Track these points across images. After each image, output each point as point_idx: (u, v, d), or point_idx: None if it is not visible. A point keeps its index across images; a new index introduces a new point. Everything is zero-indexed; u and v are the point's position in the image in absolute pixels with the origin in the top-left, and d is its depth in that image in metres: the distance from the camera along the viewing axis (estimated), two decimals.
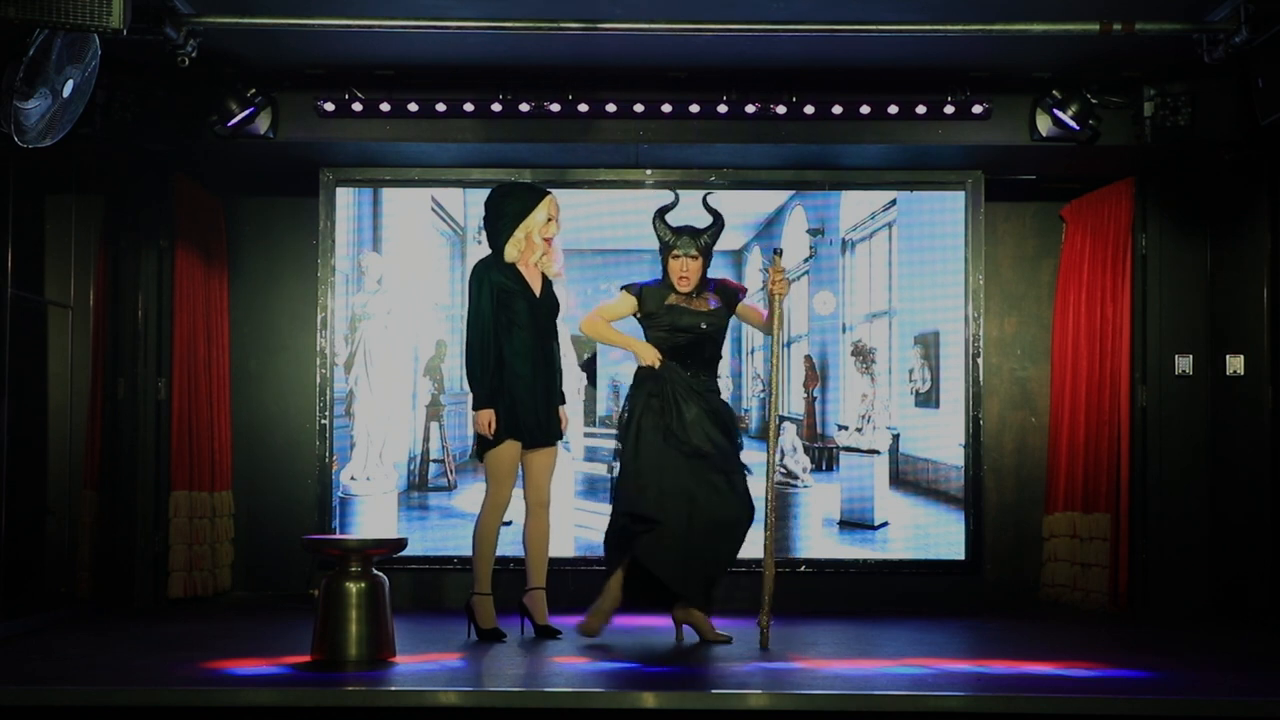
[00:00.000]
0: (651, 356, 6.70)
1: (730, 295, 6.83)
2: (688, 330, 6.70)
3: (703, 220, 6.78)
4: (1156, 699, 5.26)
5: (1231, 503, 8.22)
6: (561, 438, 6.99)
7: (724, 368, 7.16)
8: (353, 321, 8.58)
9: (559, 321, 6.99)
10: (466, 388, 6.97)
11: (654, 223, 6.80)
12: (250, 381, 8.85)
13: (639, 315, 6.83)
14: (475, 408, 6.73)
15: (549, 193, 6.88)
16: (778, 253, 6.77)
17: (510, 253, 6.77)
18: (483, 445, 6.77)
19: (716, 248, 6.82)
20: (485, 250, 6.97)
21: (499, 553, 8.11)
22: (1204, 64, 6.92)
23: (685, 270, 6.70)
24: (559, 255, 6.92)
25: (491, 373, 6.70)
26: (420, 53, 7.59)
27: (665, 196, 6.87)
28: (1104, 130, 7.93)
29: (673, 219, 6.77)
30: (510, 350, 6.73)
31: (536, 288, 6.84)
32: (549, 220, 6.80)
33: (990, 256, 8.71)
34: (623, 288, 6.87)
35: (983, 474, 8.55)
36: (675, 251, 6.71)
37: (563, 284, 7.10)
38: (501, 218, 6.80)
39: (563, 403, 6.97)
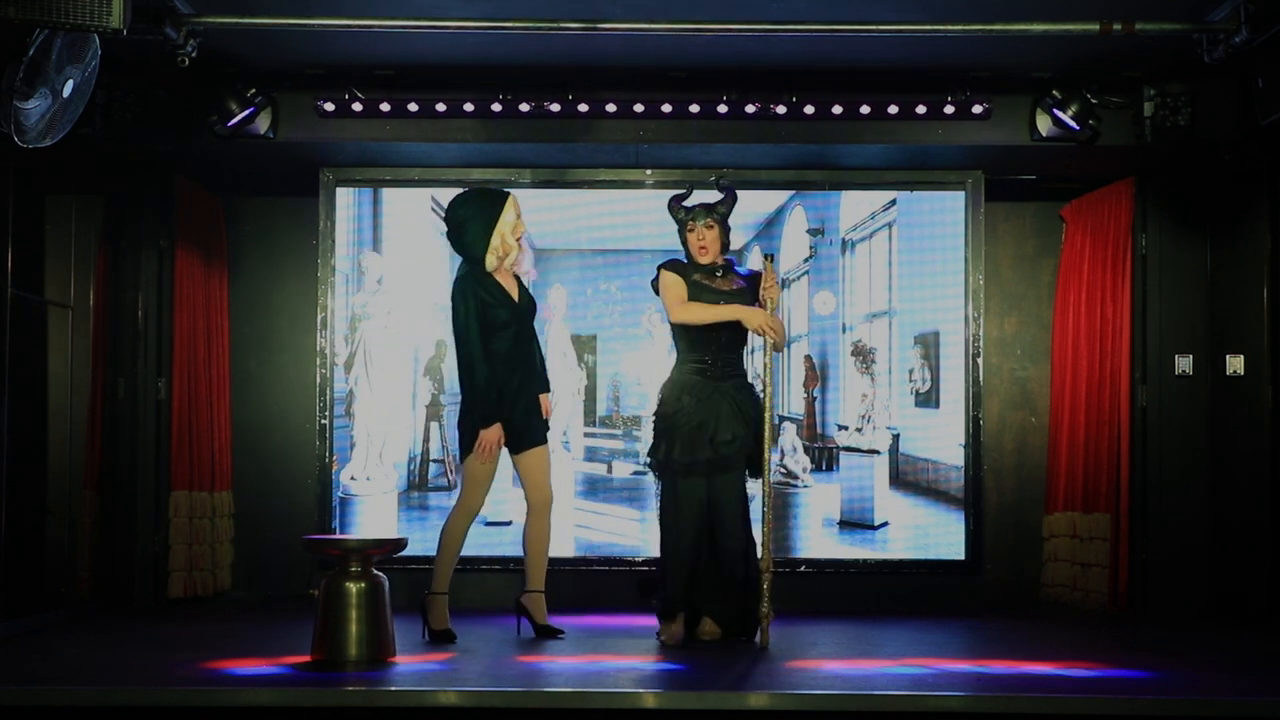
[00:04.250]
0: (759, 320, 6.53)
1: (756, 288, 6.74)
2: None
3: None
4: (1156, 699, 5.26)
5: (1231, 503, 8.22)
6: (548, 429, 6.94)
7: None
8: (353, 321, 8.58)
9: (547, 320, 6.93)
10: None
11: (669, 208, 6.83)
12: (250, 381, 8.85)
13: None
14: (484, 425, 6.64)
15: (509, 193, 6.83)
16: (769, 258, 6.72)
17: (490, 261, 6.70)
18: (468, 450, 6.71)
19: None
20: None
21: (498, 553, 8.17)
22: (1204, 64, 6.91)
23: (703, 240, 6.71)
24: (529, 255, 6.89)
25: (495, 388, 6.66)
26: (420, 53, 7.59)
27: (665, 197, 6.89)
28: (1104, 130, 7.93)
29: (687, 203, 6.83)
30: (497, 359, 6.72)
31: (515, 293, 6.82)
32: (517, 218, 6.77)
33: (990, 256, 8.71)
34: (662, 269, 6.75)
35: (983, 474, 8.55)
36: (691, 223, 6.73)
37: (531, 281, 7.04)
38: (470, 226, 6.72)
39: (546, 390, 6.93)
